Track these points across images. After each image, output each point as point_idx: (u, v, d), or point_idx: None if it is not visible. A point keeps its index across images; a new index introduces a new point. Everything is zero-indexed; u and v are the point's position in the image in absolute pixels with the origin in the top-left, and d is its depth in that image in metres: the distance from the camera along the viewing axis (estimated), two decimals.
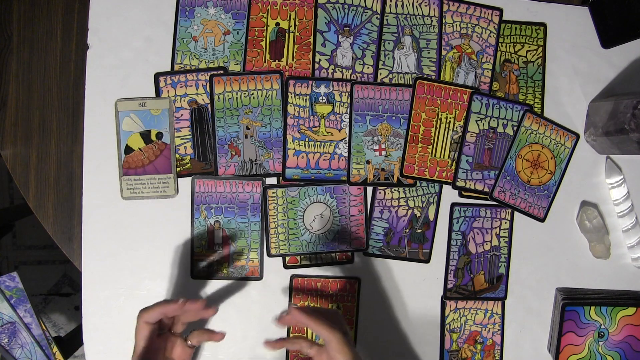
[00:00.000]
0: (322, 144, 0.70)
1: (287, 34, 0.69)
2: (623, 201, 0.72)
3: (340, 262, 0.71)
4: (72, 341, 0.94)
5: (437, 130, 0.70)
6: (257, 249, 0.70)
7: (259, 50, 0.69)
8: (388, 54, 0.70)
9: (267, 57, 0.69)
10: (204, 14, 0.68)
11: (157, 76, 0.68)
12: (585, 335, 0.72)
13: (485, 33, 0.71)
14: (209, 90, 0.68)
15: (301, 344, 0.57)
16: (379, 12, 0.70)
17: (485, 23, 0.71)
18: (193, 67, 0.68)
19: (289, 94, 0.69)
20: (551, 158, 0.72)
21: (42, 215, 0.69)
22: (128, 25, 0.68)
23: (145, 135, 0.68)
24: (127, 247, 0.68)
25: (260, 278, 0.70)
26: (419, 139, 0.70)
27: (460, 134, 0.71)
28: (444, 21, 0.71)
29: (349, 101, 0.69)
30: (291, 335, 0.71)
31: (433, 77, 0.70)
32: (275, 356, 0.71)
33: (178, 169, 0.69)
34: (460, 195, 0.72)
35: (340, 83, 0.69)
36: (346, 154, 0.70)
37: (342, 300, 0.71)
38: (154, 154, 0.68)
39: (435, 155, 0.70)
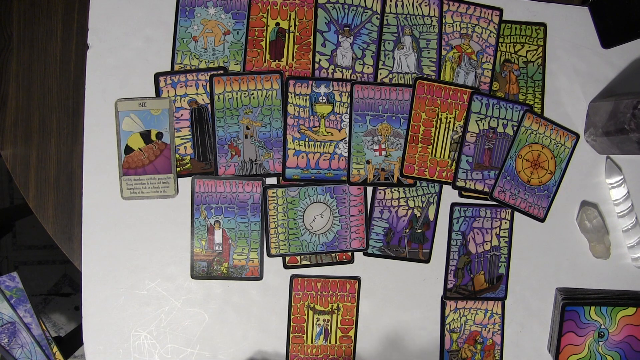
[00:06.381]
0: (322, 144, 0.70)
1: (287, 34, 0.69)
2: (623, 201, 0.72)
3: (340, 262, 0.71)
4: (72, 341, 0.94)
5: (437, 130, 0.70)
6: (257, 249, 0.70)
7: (259, 50, 0.69)
8: (388, 54, 0.70)
9: (267, 57, 0.69)
10: (204, 14, 0.68)
11: (157, 76, 0.68)
12: (585, 335, 0.72)
13: (485, 33, 0.71)
14: (209, 90, 0.68)
15: None
16: (379, 12, 0.70)
17: (485, 23, 0.71)
18: (193, 67, 0.68)
19: (289, 94, 0.69)
20: (551, 158, 0.72)
21: (42, 215, 0.69)
22: (128, 25, 0.68)
23: (145, 135, 0.68)
24: (127, 247, 0.68)
25: (260, 278, 0.70)
26: (419, 139, 0.70)
27: (460, 134, 0.71)
28: (444, 21, 0.71)
29: (349, 101, 0.69)
30: (291, 335, 0.71)
31: (433, 77, 0.70)
32: (275, 356, 0.71)
33: (178, 169, 0.69)
34: (460, 195, 0.72)
35: (340, 83, 0.69)
36: (346, 154, 0.70)
37: (342, 300, 0.71)
38: (154, 154, 0.68)
39: (435, 155, 0.70)
